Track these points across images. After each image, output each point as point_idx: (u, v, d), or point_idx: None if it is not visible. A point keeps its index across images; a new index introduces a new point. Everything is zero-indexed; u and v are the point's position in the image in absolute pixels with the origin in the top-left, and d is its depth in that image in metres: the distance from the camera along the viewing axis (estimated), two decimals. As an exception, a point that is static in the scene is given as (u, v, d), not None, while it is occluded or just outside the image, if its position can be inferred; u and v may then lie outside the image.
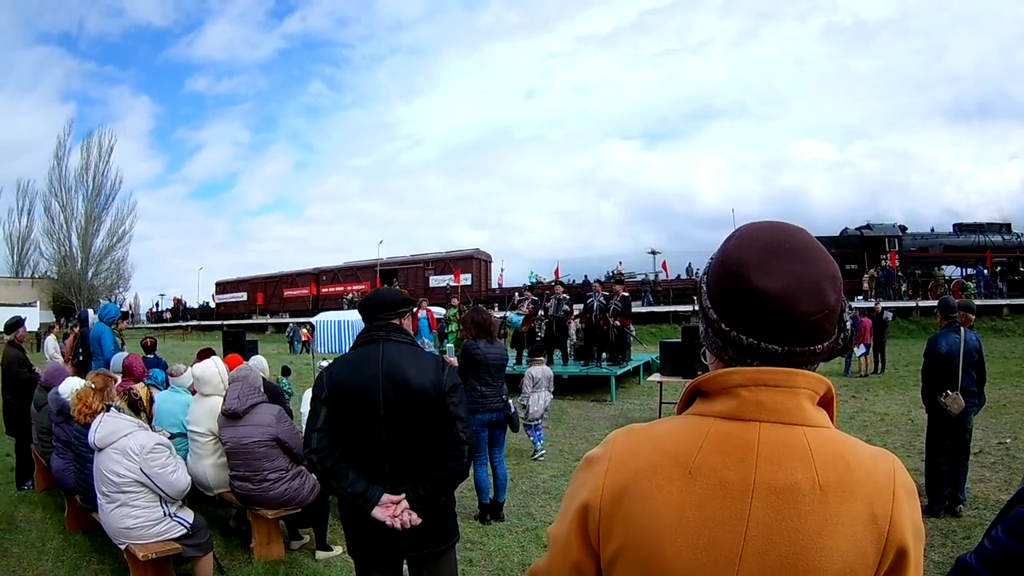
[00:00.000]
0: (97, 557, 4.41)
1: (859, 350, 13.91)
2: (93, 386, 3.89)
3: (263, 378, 4.87)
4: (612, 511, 0.89)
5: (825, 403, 0.90)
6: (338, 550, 4.47)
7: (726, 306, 0.89)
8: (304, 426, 2.56)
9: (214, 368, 4.70)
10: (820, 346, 0.87)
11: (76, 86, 79.33)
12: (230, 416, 4.24)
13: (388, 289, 2.80)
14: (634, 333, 15.59)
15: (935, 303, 5.15)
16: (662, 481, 0.86)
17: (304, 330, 32.76)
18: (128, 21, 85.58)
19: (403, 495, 2.37)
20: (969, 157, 73.30)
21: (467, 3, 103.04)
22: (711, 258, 0.95)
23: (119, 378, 4.74)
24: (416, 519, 2.35)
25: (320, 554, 4.45)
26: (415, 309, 2.99)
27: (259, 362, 5.70)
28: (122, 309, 8.68)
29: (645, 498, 0.86)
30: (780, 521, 0.81)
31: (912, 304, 26.00)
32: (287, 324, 34.43)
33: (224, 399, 4.36)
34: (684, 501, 0.84)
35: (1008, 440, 7.43)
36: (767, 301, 0.84)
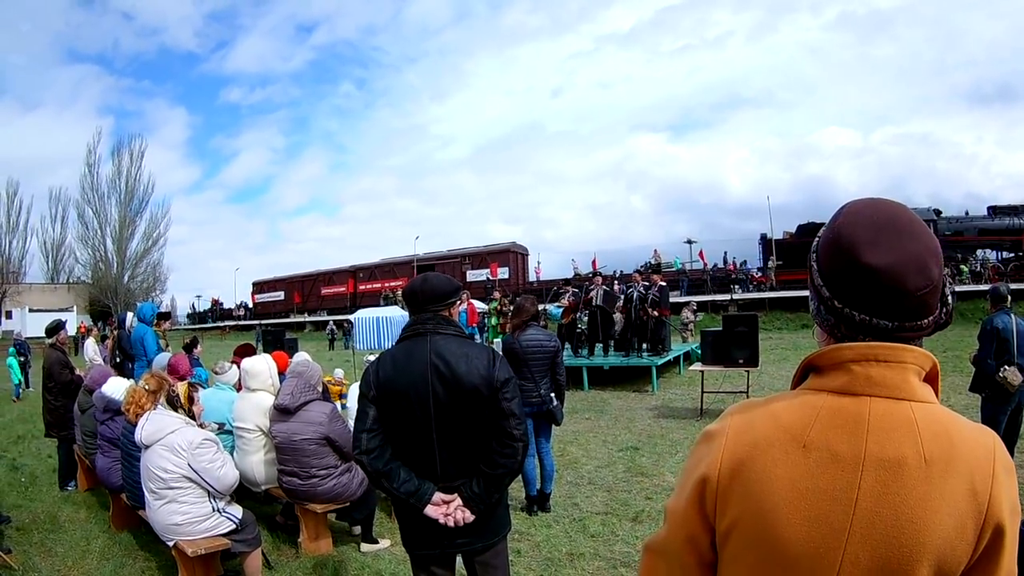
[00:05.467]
0: (143, 555, 4.41)
1: None
2: (147, 387, 3.88)
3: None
4: (729, 484, 0.91)
5: (930, 379, 0.91)
6: (385, 543, 4.43)
7: (839, 284, 0.91)
8: (352, 424, 2.46)
9: (264, 364, 4.70)
10: (926, 320, 0.90)
11: (113, 101, 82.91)
12: (282, 411, 4.24)
13: (435, 276, 2.55)
14: (689, 320, 15.43)
15: (970, 288, 5.16)
16: (778, 455, 0.88)
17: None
18: (161, 40, 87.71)
19: (455, 493, 2.31)
20: (992, 140, 72.16)
21: (491, 7, 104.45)
22: (818, 236, 0.97)
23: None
24: (469, 516, 2.29)
25: (366, 547, 4.41)
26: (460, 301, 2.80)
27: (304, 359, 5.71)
28: (161, 309, 8.70)
29: (762, 471, 0.88)
30: (888, 494, 0.82)
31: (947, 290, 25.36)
32: (326, 322, 34.74)
33: (277, 394, 4.36)
34: (798, 474, 0.86)
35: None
36: (879, 277, 0.86)
